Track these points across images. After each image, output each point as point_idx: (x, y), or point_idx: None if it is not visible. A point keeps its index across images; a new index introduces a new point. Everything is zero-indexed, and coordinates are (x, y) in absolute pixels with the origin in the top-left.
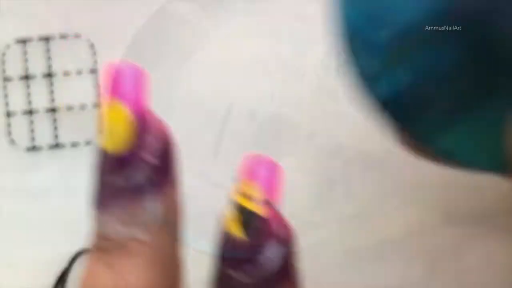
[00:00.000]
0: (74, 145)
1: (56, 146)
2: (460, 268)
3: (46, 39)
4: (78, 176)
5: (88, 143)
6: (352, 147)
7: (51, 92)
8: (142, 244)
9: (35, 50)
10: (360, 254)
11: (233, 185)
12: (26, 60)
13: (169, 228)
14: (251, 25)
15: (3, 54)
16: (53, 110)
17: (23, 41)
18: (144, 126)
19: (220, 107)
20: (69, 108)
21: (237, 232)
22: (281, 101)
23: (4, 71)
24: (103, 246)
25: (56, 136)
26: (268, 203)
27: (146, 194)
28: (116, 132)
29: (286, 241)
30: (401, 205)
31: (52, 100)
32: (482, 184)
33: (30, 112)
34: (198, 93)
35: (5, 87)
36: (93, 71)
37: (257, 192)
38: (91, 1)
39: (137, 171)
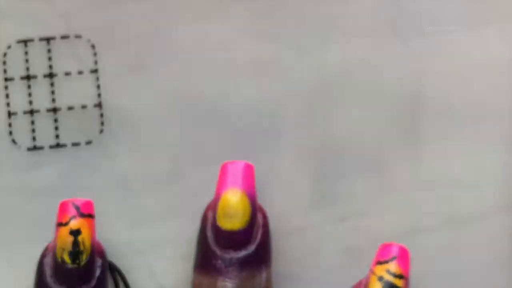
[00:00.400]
0: (75, 145)
1: (57, 146)
2: (459, 268)
3: (47, 40)
4: (79, 175)
5: (88, 143)
6: (352, 147)
7: (52, 92)
8: None
9: (36, 51)
10: (359, 253)
11: (379, 264)
12: (27, 61)
13: None
14: (252, 26)
15: (5, 55)
16: (54, 110)
17: (25, 42)
18: (255, 209)
19: (220, 108)
20: (70, 108)
21: None
22: (281, 101)
23: (5, 71)
24: None
25: (57, 136)
26: (406, 279)
27: (257, 264)
28: (236, 213)
29: None
30: (400, 204)
31: (53, 100)
32: (481, 184)
33: (31, 112)
34: (199, 94)
35: (6, 87)
36: (94, 71)
37: (400, 271)
38: (92, 2)
39: (248, 246)
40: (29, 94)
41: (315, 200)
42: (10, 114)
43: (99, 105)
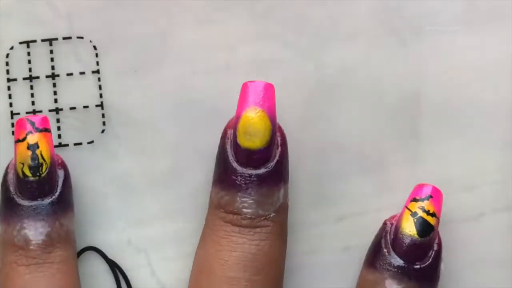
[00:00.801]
0: (77, 144)
1: (59, 145)
2: (458, 267)
3: (50, 41)
4: (80, 175)
5: (90, 142)
6: (352, 147)
7: (55, 93)
8: (271, 220)
9: (39, 52)
10: (358, 252)
11: (414, 201)
12: (29, 62)
13: (286, 209)
14: (252, 26)
15: (7, 56)
16: (56, 110)
17: (27, 43)
18: (275, 129)
19: (220, 108)
20: (72, 109)
21: (413, 233)
22: (281, 101)
23: (8, 72)
24: (233, 220)
25: (59, 136)
26: (438, 219)
27: (275, 181)
28: (256, 132)
29: (440, 245)
30: (399, 204)
31: (55, 100)
32: (480, 183)
33: (33, 113)
34: (199, 94)
35: (9, 88)
36: (96, 72)
37: (433, 209)
38: (93, 4)
39: (267, 164)
40: (32, 95)
41: (315, 199)
42: (13, 114)
43: (100, 105)
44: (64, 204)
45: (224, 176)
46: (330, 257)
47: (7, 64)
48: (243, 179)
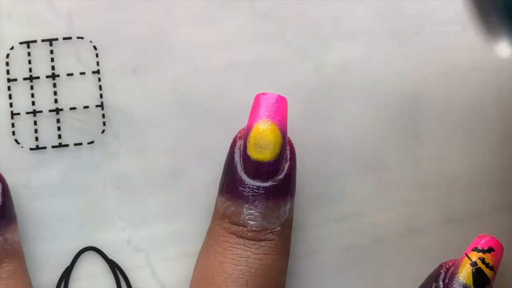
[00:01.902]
0: (77, 145)
1: (60, 146)
2: None
3: (50, 41)
4: (81, 175)
5: (90, 143)
6: (352, 147)
7: (55, 93)
8: (276, 234)
9: (39, 52)
10: (358, 252)
11: (476, 251)
12: (30, 62)
13: (291, 223)
14: (252, 26)
15: (7, 56)
16: (56, 110)
17: (27, 43)
18: (285, 142)
19: (220, 108)
20: (72, 109)
21: (469, 283)
22: None
23: (8, 72)
24: (238, 231)
25: (59, 136)
26: (495, 273)
27: (283, 194)
28: (267, 145)
29: None
30: (399, 204)
31: (56, 101)
32: (479, 184)
33: (34, 113)
34: (199, 94)
35: (9, 88)
36: (96, 72)
37: (493, 263)
38: (94, 4)
39: (275, 177)
40: (32, 95)
41: (315, 199)
42: (13, 114)
43: (100, 105)
44: (5, 218)
45: (231, 186)
46: (330, 257)
47: (7, 64)
48: (251, 191)
